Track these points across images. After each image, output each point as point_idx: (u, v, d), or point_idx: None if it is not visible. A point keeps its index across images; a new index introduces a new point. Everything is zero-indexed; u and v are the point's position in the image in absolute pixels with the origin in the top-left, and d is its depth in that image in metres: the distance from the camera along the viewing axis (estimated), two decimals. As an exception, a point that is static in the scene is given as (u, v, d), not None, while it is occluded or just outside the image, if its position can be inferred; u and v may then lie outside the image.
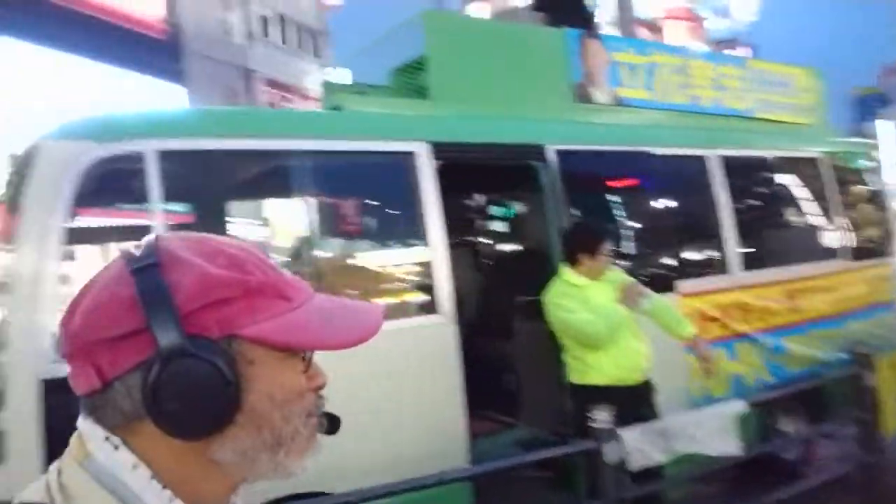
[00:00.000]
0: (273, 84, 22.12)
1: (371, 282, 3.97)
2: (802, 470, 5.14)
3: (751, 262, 5.24)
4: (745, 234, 5.27)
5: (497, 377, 5.05)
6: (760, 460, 4.70)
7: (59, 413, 2.87)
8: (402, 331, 3.66)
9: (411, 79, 4.74)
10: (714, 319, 4.87)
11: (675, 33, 52.54)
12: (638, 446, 3.39)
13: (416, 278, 4.04)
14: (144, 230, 3.50)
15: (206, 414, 0.67)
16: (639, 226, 5.04)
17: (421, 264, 4.02)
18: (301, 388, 0.76)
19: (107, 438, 0.68)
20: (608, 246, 3.92)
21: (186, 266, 0.68)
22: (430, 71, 4.53)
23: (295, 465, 0.75)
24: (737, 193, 5.31)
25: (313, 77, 22.90)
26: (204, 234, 0.76)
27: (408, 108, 4.45)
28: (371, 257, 4.18)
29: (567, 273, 3.93)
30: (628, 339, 3.79)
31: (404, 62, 4.79)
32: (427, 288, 3.94)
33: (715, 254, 5.19)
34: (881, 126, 26.36)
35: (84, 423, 0.71)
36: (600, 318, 3.70)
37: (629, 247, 4.84)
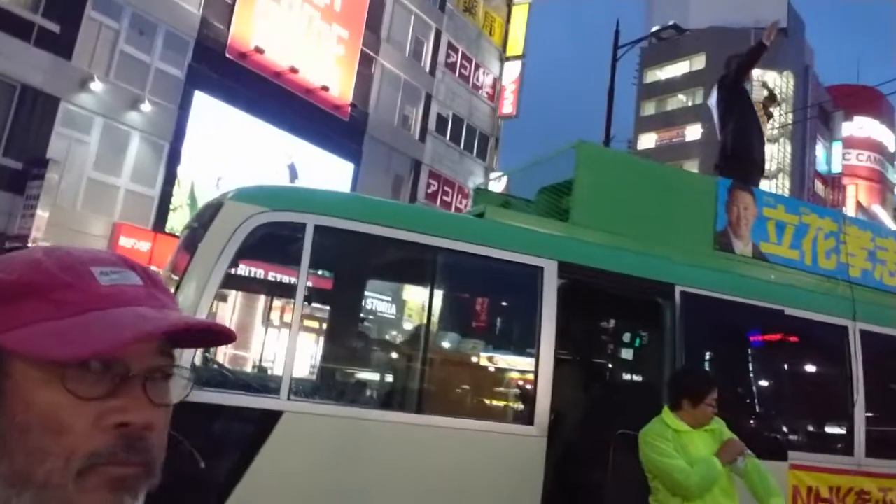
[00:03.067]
0: (437, 177, 23.45)
1: (475, 380, 4.15)
2: None
3: (879, 448, 4.87)
4: (878, 418, 4.93)
5: (582, 504, 4.95)
6: None
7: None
8: (492, 434, 3.77)
9: (556, 199, 5.02)
10: (824, 501, 4.55)
11: (856, 193, 49.97)
12: None
13: (519, 386, 4.17)
14: (292, 288, 3.97)
15: None
16: (758, 384, 4.87)
17: (526, 374, 4.16)
18: (69, 418, 0.59)
19: None
20: (714, 396, 3.86)
21: None
22: (574, 195, 4.78)
23: None
24: (874, 373, 5.01)
25: (475, 177, 24.07)
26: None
27: (545, 225, 4.70)
28: (480, 357, 4.37)
29: (668, 416, 3.89)
30: (719, 497, 3.65)
31: (552, 183, 5.10)
32: (527, 398, 4.06)
33: (840, 431, 4.89)
34: None
35: None
36: (695, 468, 3.62)
37: (743, 403, 4.69)
